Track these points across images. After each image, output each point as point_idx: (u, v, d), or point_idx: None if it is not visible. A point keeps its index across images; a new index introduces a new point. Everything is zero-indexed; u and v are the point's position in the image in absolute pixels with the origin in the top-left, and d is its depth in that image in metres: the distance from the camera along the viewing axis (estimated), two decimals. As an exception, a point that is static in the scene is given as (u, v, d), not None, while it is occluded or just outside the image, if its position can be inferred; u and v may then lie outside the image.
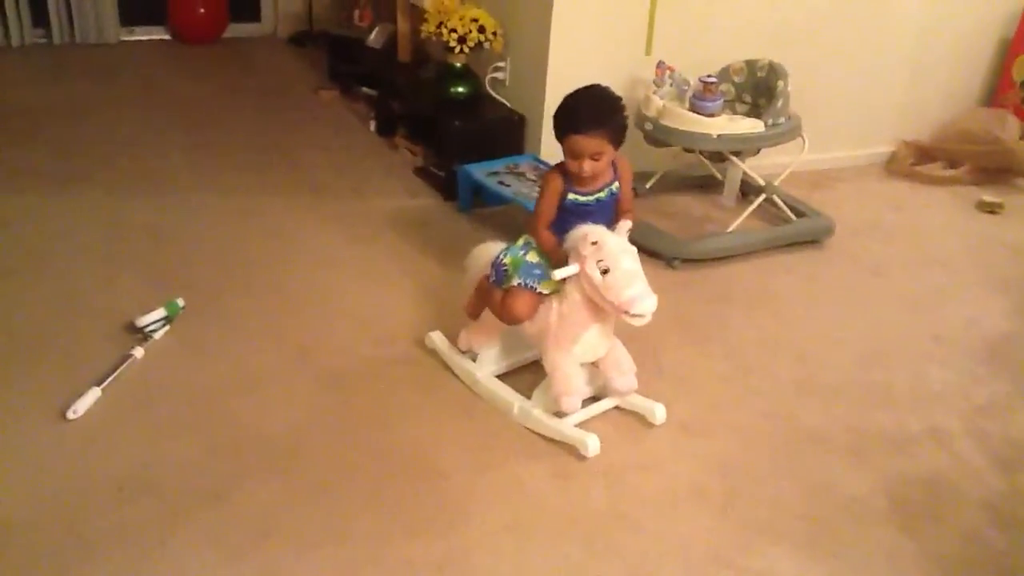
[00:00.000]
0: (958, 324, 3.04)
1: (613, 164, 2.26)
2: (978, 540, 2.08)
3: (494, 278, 2.35)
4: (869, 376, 2.70)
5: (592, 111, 2.18)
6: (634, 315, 2.07)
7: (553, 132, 2.22)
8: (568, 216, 2.23)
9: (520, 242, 2.35)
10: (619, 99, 2.24)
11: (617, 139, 2.20)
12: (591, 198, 2.25)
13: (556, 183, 2.24)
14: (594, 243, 2.08)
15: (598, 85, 2.26)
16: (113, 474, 2.06)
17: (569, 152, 2.18)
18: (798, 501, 2.16)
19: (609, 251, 2.08)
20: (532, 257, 2.29)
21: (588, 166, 2.17)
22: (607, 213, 2.27)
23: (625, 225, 2.18)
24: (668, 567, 1.94)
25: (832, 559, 1.99)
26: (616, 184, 2.28)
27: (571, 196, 2.24)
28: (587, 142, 2.15)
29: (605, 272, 2.07)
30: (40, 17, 5.23)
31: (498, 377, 2.47)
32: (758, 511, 2.12)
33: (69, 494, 1.99)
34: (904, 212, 3.98)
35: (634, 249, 2.14)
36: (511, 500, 2.09)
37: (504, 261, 2.33)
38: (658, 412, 2.37)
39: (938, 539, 2.07)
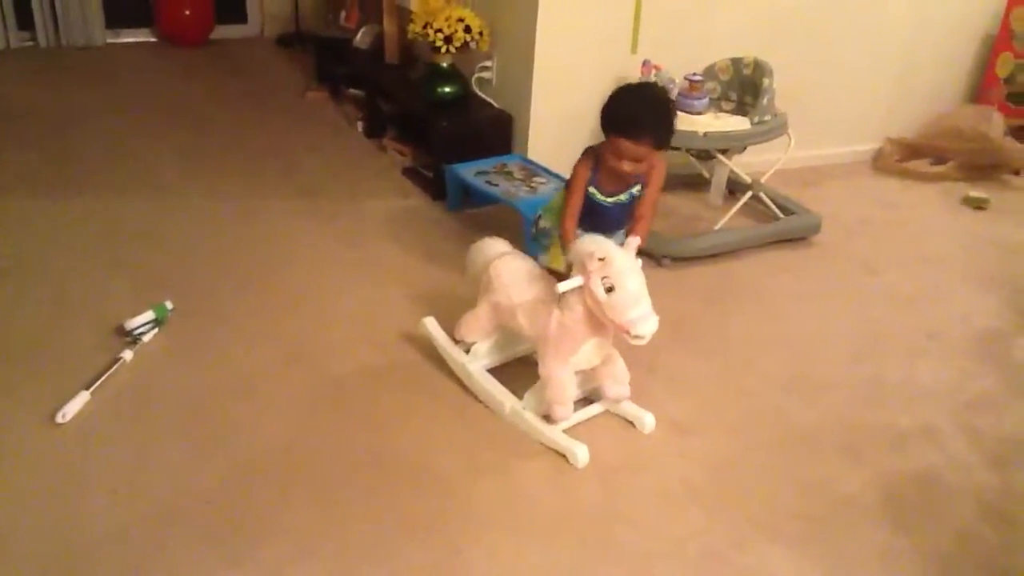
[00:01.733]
0: (949, 320, 3.05)
1: None
2: (971, 537, 2.09)
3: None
4: (861, 373, 2.71)
5: (645, 118, 2.17)
6: (635, 336, 2.04)
7: (601, 122, 2.22)
8: (583, 211, 2.24)
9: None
10: (671, 103, 2.25)
11: (662, 144, 2.20)
12: (610, 200, 2.26)
13: (584, 172, 2.26)
14: (601, 259, 2.04)
15: (653, 86, 2.27)
16: (106, 477, 2.04)
17: (613, 150, 2.19)
18: (791, 499, 2.16)
19: (616, 269, 2.04)
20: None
21: (629, 167, 2.19)
22: (623, 213, 2.27)
23: (634, 242, 2.13)
24: (662, 564, 1.94)
25: (825, 556, 1.99)
26: (639, 187, 2.28)
27: (591, 190, 2.26)
28: (634, 148, 2.16)
29: (610, 290, 2.04)
30: (25, 20, 5.21)
31: (489, 371, 2.47)
32: (751, 509, 2.12)
33: (61, 498, 1.98)
34: (893, 209, 4.00)
35: (639, 265, 2.10)
36: (506, 500, 2.09)
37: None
38: (647, 421, 2.35)
39: (931, 536, 2.08)
